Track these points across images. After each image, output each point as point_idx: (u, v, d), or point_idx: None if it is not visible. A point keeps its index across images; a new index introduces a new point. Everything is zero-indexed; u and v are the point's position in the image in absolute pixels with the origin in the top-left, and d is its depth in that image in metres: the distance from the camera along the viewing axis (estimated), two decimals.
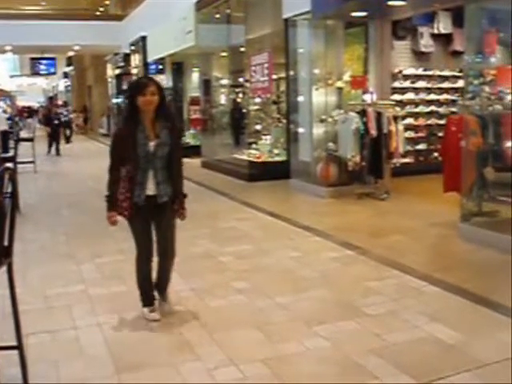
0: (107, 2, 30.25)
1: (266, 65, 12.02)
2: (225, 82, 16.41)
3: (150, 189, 4.25)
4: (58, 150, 20.15)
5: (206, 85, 16.89)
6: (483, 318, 4.40)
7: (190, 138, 18.26)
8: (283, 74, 12.13)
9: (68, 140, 25.02)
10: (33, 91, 47.40)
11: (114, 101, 28.07)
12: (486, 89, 7.95)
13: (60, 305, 4.99)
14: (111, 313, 4.74)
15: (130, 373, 3.69)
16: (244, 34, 13.44)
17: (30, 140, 16.00)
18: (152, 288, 4.59)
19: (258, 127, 13.61)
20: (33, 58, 29.19)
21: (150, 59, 21.06)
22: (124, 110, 4.40)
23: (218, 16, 14.84)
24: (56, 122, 21.02)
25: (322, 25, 10.47)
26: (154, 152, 4.19)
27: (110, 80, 29.84)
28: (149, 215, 4.36)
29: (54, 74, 31.37)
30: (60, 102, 36.42)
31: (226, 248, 6.71)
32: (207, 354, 3.88)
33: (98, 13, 29.54)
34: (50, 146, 20.34)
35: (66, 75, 39.28)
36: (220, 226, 8.03)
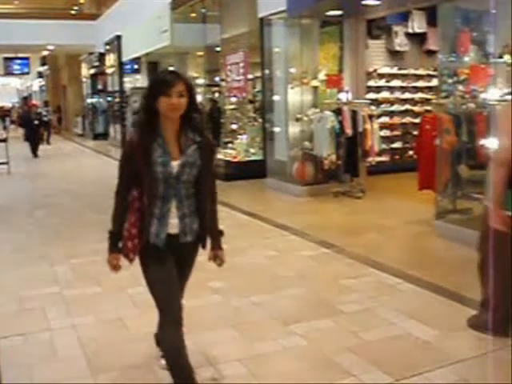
0: (82, 1, 30.02)
1: (241, 64, 12.02)
2: (201, 81, 16.37)
3: (172, 225, 3.03)
4: (35, 151, 19.24)
5: None
6: (458, 315, 4.43)
7: None
8: (259, 74, 12.13)
9: (48, 141, 24.32)
10: (6, 91, 46.81)
11: (89, 101, 27.87)
12: (460, 87, 8.03)
13: (34, 307, 4.93)
14: (86, 314, 4.70)
15: (105, 374, 3.66)
16: (219, 33, 13.44)
17: (3, 141, 15.80)
18: (191, 368, 3.05)
19: (234, 127, 13.59)
20: (6, 58, 28.82)
21: (125, 59, 20.94)
22: (139, 115, 3.18)
23: (193, 15, 14.82)
24: (36, 122, 20.28)
25: (298, 24, 10.49)
26: (177, 175, 2.96)
27: (84, 80, 29.60)
28: (171, 259, 3.11)
29: (27, 73, 31.01)
30: (35, 102, 36.01)
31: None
32: None
33: (72, 12, 29.31)
34: (33, 148, 19.24)
35: (40, 75, 38.87)
36: None
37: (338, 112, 9.51)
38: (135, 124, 3.22)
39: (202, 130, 3.11)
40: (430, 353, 3.86)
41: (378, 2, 9.22)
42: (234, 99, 13.34)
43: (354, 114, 9.48)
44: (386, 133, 11.94)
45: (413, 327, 4.25)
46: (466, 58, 8.33)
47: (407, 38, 12.48)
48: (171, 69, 3.47)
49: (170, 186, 2.96)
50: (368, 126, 9.55)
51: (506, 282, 4.00)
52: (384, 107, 12.22)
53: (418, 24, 12.33)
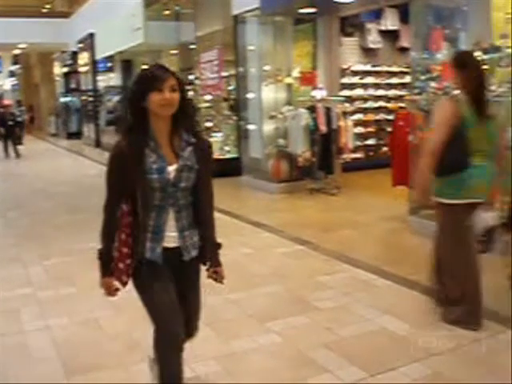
0: None
1: (215, 62, 11.98)
2: None
3: (171, 238, 2.71)
4: (16, 151, 18.75)
5: None
6: (433, 310, 4.48)
7: None
8: (234, 71, 12.11)
9: (20, 141, 23.79)
10: None
11: (62, 100, 27.59)
12: (433, 84, 8.10)
13: (7, 309, 4.87)
14: (60, 315, 4.66)
15: (80, 375, 3.64)
16: (193, 30, 13.38)
17: None
18: None
19: (209, 124, 13.56)
20: None
21: (98, 57, 20.77)
22: (125, 116, 2.81)
23: (167, 13, 14.75)
24: (11, 123, 19.52)
25: (271, 21, 10.51)
26: (175, 181, 2.65)
27: (57, 78, 29.29)
28: (170, 276, 2.79)
29: None
30: (9, 102, 35.54)
31: None
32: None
33: (44, 10, 28.94)
34: (5, 149, 18.93)
35: (12, 74, 38.40)
36: None
37: (312, 109, 9.55)
38: (121, 127, 2.83)
39: (197, 129, 2.81)
40: (405, 347, 3.89)
41: (350, 0, 9.26)
42: (208, 97, 13.31)
43: (328, 111, 9.52)
44: (360, 130, 12.01)
45: (388, 322, 4.28)
46: (439, 55, 8.41)
47: (380, 36, 12.56)
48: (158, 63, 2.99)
49: (167, 194, 2.65)
50: (342, 123, 9.60)
51: (470, 275, 4.13)
52: (358, 104, 12.28)
53: (390, 21, 12.42)
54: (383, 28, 12.47)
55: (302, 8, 9.98)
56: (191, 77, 14.95)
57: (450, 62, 4.27)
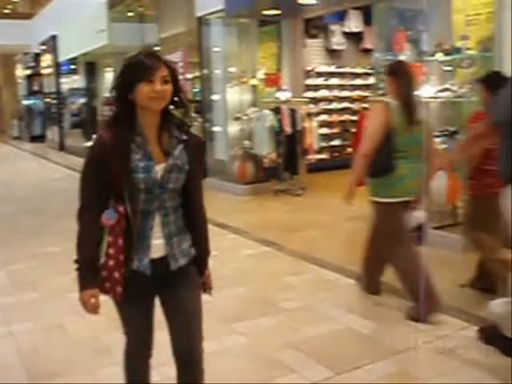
0: (15, 0, 29.26)
1: (180, 64, 11.94)
2: None
3: (157, 246, 2.42)
4: None
5: None
6: (397, 308, 4.53)
7: None
8: (198, 73, 12.09)
9: None
10: None
11: (25, 102, 27.19)
12: None
13: None
14: (24, 321, 4.59)
15: (45, 381, 3.60)
16: (158, 32, 13.32)
17: None
18: None
19: None
20: None
21: (61, 59, 20.51)
22: (111, 109, 2.56)
23: (130, 14, 14.65)
24: None
25: (236, 23, 10.52)
26: (162, 182, 2.37)
27: (20, 81, 28.87)
28: (153, 291, 2.54)
29: None
30: None
31: None
32: None
33: (5, 11, 28.52)
34: None
35: None
36: None
37: (276, 111, 9.58)
38: (105, 121, 2.51)
39: (188, 125, 2.50)
40: (371, 346, 3.94)
41: (314, 1, 9.32)
42: None
43: (292, 112, 9.57)
44: (324, 131, 12.08)
45: (353, 321, 4.33)
46: (402, 57, 8.51)
47: (344, 37, 12.66)
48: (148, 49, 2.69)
49: (152, 196, 2.37)
50: (307, 124, 9.67)
51: (411, 271, 4.34)
52: (323, 105, 12.35)
53: (354, 23, 12.53)
54: (347, 30, 12.56)
55: (266, 10, 10.01)
56: None
57: (384, 70, 4.61)
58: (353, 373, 3.56)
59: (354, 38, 12.77)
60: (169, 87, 2.33)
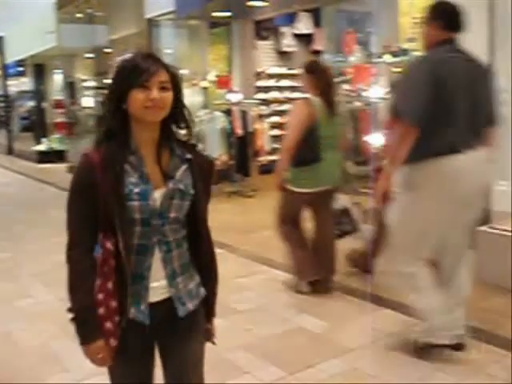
0: None
1: None
2: (90, 84, 15.99)
3: (157, 289, 2.00)
4: None
5: (71, 87, 16.42)
6: (348, 306, 4.59)
7: (54, 142, 17.62)
8: None
9: None
10: None
11: None
12: (346, 86, 8.31)
13: None
14: None
15: None
16: (107, 34, 13.18)
17: None
18: None
19: None
20: None
21: (8, 61, 20.11)
22: (101, 122, 2.08)
23: (79, 16, 14.45)
24: None
25: (186, 25, 10.49)
26: (162, 211, 1.95)
27: None
28: (153, 344, 2.11)
29: None
30: None
31: None
32: (76, 366, 3.72)
33: None
34: None
35: None
36: None
37: (228, 112, 9.58)
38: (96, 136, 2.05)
39: (193, 141, 2.11)
40: (323, 345, 3.97)
41: (263, 4, 9.37)
42: None
43: (243, 114, 9.59)
44: (276, 132, 12.10)
45: (305, 321, 4.35)
46: (351, 58, 8.64)
47: (295, 39, 12.72)
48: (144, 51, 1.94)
49: (151, 229, 1.94)
50: (258, 126, 9.70)
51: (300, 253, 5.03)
52: (274, 107, 12.38)
53: (304, 25, 12.59)
54: (297, 32, 12.63)
55: (216, 12, 10.01)
56: (107, 81, 14.73)
57: (302, 69, 5.02)
58: (306, 372, 3.58)
59: (305, 39, 12.83)
60: (168, 95, 1.94)
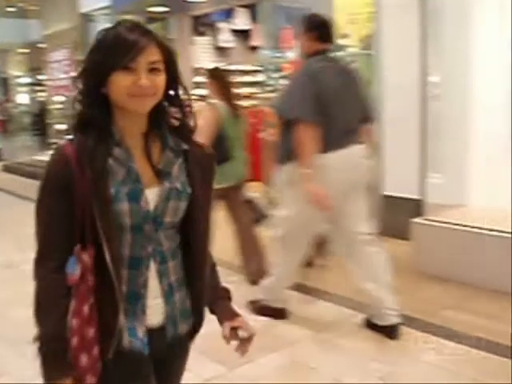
0: None
1: (65, 62, 11.61)
2: (24, 80, 15.61)
3: (155, 309, 1.65)
4: None
5: (4, 83, 15.99)
6: (285, 300, 4.61)
7: None
8: None
9: None
10: None
11: None
12: (284, 82, 8.34)
13: None
14: None
15: None
16: (41, 29, 12.89)
17: None
18: None
19: (62, 127, 13.11)
20: None
21: None
22: (77, 110, 1.61)
23: (10, 9, 14.07)
24: None
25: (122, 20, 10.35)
26: (156, 214, 1.60)
27: None
28: (150, 377, 1.69)
29: None
30: None
31: (31, 255, 6.38)
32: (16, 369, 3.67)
33: None
34: None
35: None
36: (25, 232, 7.60)
37: None
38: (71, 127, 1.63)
39: (190, 130, 1.68)
40: (263, 339, 3.92)
41: None
42: (61, 98, 12.86)
43: None
44: None
45: (245, 316, 4.34)
46: (289, 54, 8.68)
47: (233, 35, 12.70)
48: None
49: (143, 236, 1.59)
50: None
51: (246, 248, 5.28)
52: None
53: (242, 21, 12.59)
54: (235, 27, 12.62)
55: (153, 6, 9.93)
56: (41, 77, 14.42)
57: (206, 76, 5.31)
58: (245, 367, 3.58)
59: (243, 35, 12.84)
60: (160, 79, 1.55)
